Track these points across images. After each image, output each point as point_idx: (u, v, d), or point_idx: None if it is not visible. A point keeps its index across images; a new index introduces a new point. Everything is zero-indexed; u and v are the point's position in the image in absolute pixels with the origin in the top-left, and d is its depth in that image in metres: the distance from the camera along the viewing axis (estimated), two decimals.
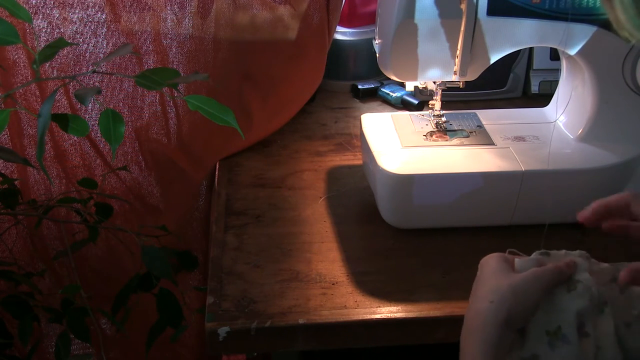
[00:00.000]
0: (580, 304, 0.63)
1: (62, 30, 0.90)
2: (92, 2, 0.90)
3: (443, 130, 0.90)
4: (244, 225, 0.89)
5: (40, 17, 0.89)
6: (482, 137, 0.88)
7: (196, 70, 0.96)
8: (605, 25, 0.78)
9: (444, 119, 0.91)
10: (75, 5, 0.89)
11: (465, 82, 0.84)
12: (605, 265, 0.67)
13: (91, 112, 0.98)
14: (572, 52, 0.82)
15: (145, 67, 0.95)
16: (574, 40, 0.80)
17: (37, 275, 1.00)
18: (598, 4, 0.77)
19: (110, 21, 0.91)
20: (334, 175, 1.00)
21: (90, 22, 0.91)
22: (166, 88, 0.62)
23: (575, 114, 0.89)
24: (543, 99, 1.02)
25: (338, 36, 1.22)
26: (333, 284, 0.78)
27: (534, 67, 1.20)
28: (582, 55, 0.82)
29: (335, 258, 0.82)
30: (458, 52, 0.81)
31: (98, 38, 0.92)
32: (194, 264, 1.08)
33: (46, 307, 0.96)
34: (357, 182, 0.97)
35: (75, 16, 0.90)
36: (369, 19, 1.24)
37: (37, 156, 0.59)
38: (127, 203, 1.04)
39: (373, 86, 1.23)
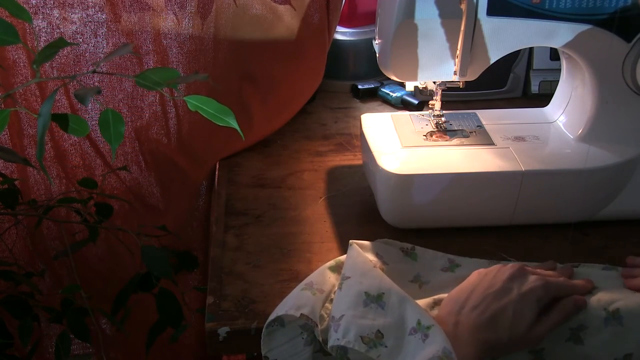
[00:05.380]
0: None
1: (62, 30, 0.90)
2: (92, 2, 0.90)
3: (443, 130, 0.90)
4: (244, 225, 0.89)
5: (40, 17, 0.89)
6: (482, 137, 0.88)
7: (196, 70, 0.96)
8: (605, 24, 0.78)
9: (444, 119, 0.91)
10: (75, 5, 0.89)
11: (465, 82, 0.84)
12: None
13: (91, 112, 0.98)
14: (572, 52, 0.82)
15: (145, 67, 0.95)
16: (574, 40, 0.80)
17: (37, 275, 1.00)
18: (598, 3, 0.77)
19: (110, 21, 0.91)
20: (334, 175, 1.00)
21: (90, 22, 0.91)
22: (166, 88, 0.62)
23: (575, 114, 0.89)
24: (543, 99, 1.02)
25: (338, 36, 1.22)
26: None
27: (534, 67, 1.20)
28: (582, 55, 0.82)
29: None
30: (458, 52, 0.81)
31: (98, 38, 0.92)
32: (194, 264, 1.08)
33: (46, 307, 0.96)
34: (357, 182, 0.97)
35: (75, 16, 0.90)
36: (369, 19, 1.24)
37: (37, 156, 0.59)
38: (127, 203, 1.04)
39: (373, 86, 1.23)
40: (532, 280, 0.68)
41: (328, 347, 0.65)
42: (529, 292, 0.67)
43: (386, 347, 0.64)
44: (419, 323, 0.65)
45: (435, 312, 0.70)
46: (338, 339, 0.64)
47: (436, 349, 0.62)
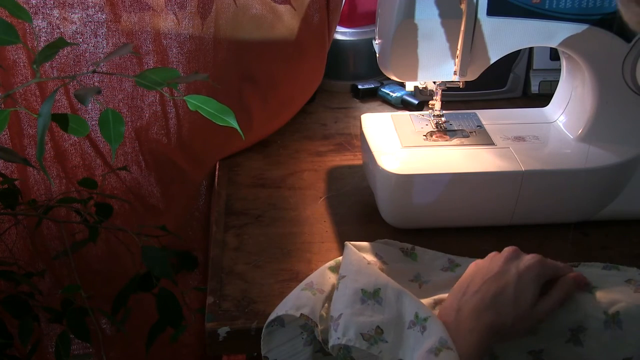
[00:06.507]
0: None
1: (62, 30, 0.90)
2: (92, 2, 0.90)
3: (443, 130, 0.90)
4: (244, 225, 0.89)
5: (40, 17, 0.89)
6: (482, 137, 0.88)
7: (196, 70, 0.96)
8: (605, 24, 0.78)
9: (444, 119, 0.91)
10: (75, 5, 0.89)
11: (465, 82, 0.84)
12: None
13: (91, 112, 0.98)
14: (572, 52, 0.82)
15: (145, 67, 0.95)
16: (574, 40, 0.80)
17: (37, 275, 1.00)
18: (598, 3, 0.77)
19: (110, 21, 0.91)
20: (334, 175, 1.00)
21: (90, 22, 0.91)
22: (166, 88, 0.62)
23: (575, 114, 0.89)
24: (543, 99, 1.02)
25: (338, 36, 1.22)
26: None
27: (534, 67, 1.20)
28: (582, 55, 0.82)
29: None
30: (458, 52, 0.81)
31: (98, 38, 0.92)
32: (194, 264, 1.08)
33: (46, 307, 0.96)
34: (357, 182, 0.97)
35: (75, 16, 0.90)
36: (369, 19, 1.24)
37: (37, 156, 0.59)
38: (127, 203, 1.04)
39: (373, 86, 1.23)
40: (528, 258, 0.69)
41: (329, 347, 0.65)
42: (526, 270, 0.68)
43: (387, 342, 0.64)
44: (416, 316, 0.66)
45: (436, 311, 0.70)
46: (338, 338, 0.64)
47: (433, 341, 0.62)
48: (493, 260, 0.70)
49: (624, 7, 0.54)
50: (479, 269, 0.70)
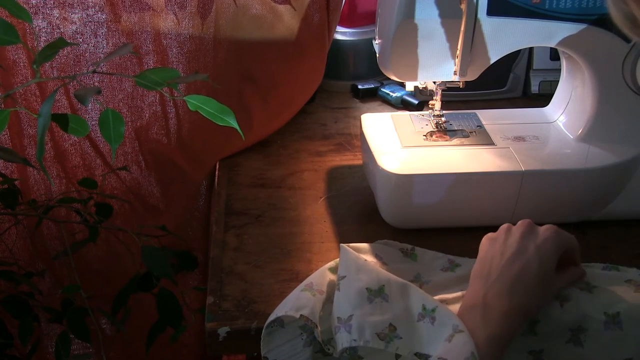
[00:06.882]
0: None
1: (62, 30, 0.90)
2: (92, 2, 0.90)
3: (443, 130, 0.90)
4: (244, 225, 0.89)
5: (40, 17, 0.89)
6: (482, 137, 0.88)
7: (196, 70, 0.96)
8: (605, 24, 0.78)
9: (444, 119, 0.91)
10: (75, 5, 0.89)
11: (465, 82, 0.84)
12: None
13: (91, 112, 0.98)
14: (572, 52, 0.82)
15: (145, 67, 0.95)
16: (574, 40, 0.80)
17: (37, 275, 1.00)
18: (597, 3, 0.77)
19: (110, 21, 0.91)
20: (334, 175, 1.00)
21: (90, 22, 0.91)
22: (166, 88, 0.62)
23: (575, 114, 0.89)
24: (543, 99, 1.02)
25: (338, 36, 1.22)
26: None
27: (534, 67, 1.20)
28: (582, 55, 0.82)
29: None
30: (458, 52, 0.81)
31: (98, 38, 0.92)
32: (194, 264, 1.08)
33: (46, 307, 0.96)
34: (357, 182, 0.97)
35: (75, 16, 0.90)
36: (369, 19, 1.24)
37: (37, 156, 0.59)
38: (127, 203, 1.04)
39: (373, 86, 1.23)
40: (543, 231, 0.69)
41: (339, 349, 0.65)
42: (544, 243, 0.67)
43: (401, 338, 0.65)
44: (424, 308, 0.66)
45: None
46: (354, 340, 0.64)
47: (447, 331, 0.63)
48: (508, 239, 0.69)
49: (613, 6, 0.54)
50: (495, 250, 0.69)
